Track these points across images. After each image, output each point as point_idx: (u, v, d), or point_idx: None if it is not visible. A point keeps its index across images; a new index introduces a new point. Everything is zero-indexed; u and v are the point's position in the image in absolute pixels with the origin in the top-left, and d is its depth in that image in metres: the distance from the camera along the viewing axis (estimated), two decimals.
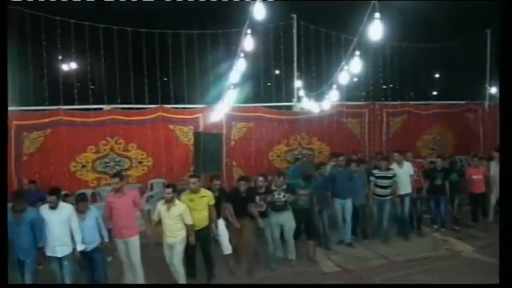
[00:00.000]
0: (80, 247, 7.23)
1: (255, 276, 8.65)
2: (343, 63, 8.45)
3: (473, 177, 10.87)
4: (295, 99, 14.42)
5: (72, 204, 7.59)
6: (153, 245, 7.93)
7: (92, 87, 14.04)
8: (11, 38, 11.30)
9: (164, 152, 12.83)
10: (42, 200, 7.80)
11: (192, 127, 12.97)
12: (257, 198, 8.78)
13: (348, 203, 10.01)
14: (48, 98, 12.47)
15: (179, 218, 7.71)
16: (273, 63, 14.28)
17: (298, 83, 14.18)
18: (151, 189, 12.39)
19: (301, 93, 13.66)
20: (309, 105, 12.95)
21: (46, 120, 11.89)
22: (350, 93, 13.96)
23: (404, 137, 15.20)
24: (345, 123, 14.62)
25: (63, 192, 10.07)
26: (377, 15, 6.03)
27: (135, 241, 7.78)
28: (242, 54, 8.92)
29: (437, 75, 16.85)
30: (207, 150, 10.73)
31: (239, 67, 9.26)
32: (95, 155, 12.31)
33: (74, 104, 12.65)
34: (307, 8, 13.77)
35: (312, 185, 9.36)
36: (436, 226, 11.07)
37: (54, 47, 12.43)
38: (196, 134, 11.66)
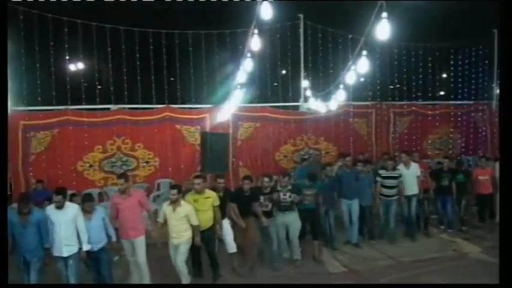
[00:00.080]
0: (86, 247, 7.23)
1: (257, 274, 8.66)
2: (350, 63, 8.42)
3: (480, 177, 10.82)
4: (301, 99, 14.40)
5: (79, 204, 7.60)
6: (160, 245, 7.94)
7: (99, 87, 14.07)
8: (19, 39, 11.39)
9: (171, 152, 12.84)
10: (50, 200, 7.82)
11: (198, 127, 12.98)
12: (262, 198, 8.76)
13: (355, 204, 10.00)
14: (55, 98, 12.51)
15: (185, 218, 7.72)
16: (280, 63, 14.26)
17: (305, 83, 14.15)
18: (158, 189, 12.41)
19: (308, 93, 13.63)
20: (315, 105, 12.92)
21: (53, 120, 11.94)
22: (357, 93, 13.91)
23: (411, 137, 15.15)
24: (351, 123, 14.58)
25: (70, 192, 10.15)
26: (384, 14, 6.01)
27: (141, 241, 7.80)
28: (249, 54, 8.90)
29: (444, 75, 16.76)
30: (214, 150, 10.74)
31: (246, 67, 9.25)
32: (102, 154, 12.35)
33: (81, 104, 12.69)
34: (314, 8, 13.75)
35: (318, 185, 9.36)
36: (443, 227, 11.05)
37: (61, 47, 12.45)
38: (203, 134, 11.67)
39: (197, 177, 8.39)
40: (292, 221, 8.90)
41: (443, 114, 15.62)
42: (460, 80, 16.00)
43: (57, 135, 11.93)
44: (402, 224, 10.61)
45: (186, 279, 7.86)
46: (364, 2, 7.57)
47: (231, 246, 8.65)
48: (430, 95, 16.39)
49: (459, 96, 16.23)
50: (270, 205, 8.81)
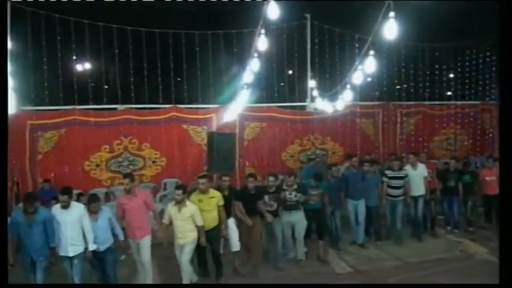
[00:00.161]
0: (91, 247, 7.24)
1: (261, 274, 8.67)
2: (357, 62, 8.41)
3: (487, 178, 10.76)
4: (308, 99, 14.40)
5: (85, 204, 7.61)
6: (166, 245, 7.95)
7: (106, 87, 14.13)
8: (26, 39, 11.44)
9: (178, 152, 12.85)
10: (57, 199, 7.83)
11: (205, 127, 12.97)
12: (267, 197, 8.76)
13: (361, 204, 9.97)
14: (62, 98, 12.56)
15: (190, 219, 7.71)
16: (287, 63, 14.26)
17: (311, 83, 14.14)
18: (165, 188, 12.42)
19: (315, 93, 13.62)
20: (322, 105, 12.90)
21: (61, 119, 11.97)
22: (364, 93, 13.88)
23: (418, 138, 15.09)
24: (358, 123, 14.54)
25: (77, 192, 10.19)
26: (392, 14, 5.99)
27: (146, 241, 7.83)
28: (256, 54, 8.92)
29: (451, 76, 16.70)
30: (221, 150, 10.74)
31: (253, 67, 9.26)
32: (109, 154, 12.37)
33: (88, 104, 12.73)
34: (321, 8, 13.74)
35: (324, 185, 9.35)
36: (449, 227, 11.01)
37: (68, 47, 12.50)
38: (210, 134, 11.67)
39: (202, 177, 8.38)
40: (298, 220, 8.90)
41: (450, 114, 15.55)
42: (467, 80, 15.95)
43: (64, 135, 11.96)
44: (409, 225, 10.58)
45: (188, 279, 7.84)
46: (371, 2, 7.56)
47: (235, 245, 8.65)
48: (437, 95, 16.35)
49: (466, 97, 16.17)
50: (275, 204, 8.81)
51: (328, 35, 13.91)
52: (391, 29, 6.05)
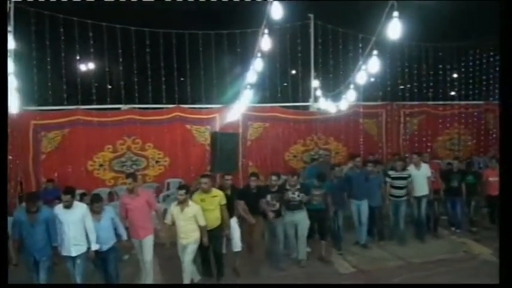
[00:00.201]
0: (94, 247, 7.22)
1: (263, 274, 8.67)
2: (361, 62, 8.40)
3: (490, 179, 10.71)
4: (312, 99, 14.39)
5: (87, 204, 7.60)
6: (168, 245, 7.94)
7: (110, 87, 14.13)
8: (30, 39, 11.46)
9: (181, 152, 12.85)
10: (60, 199, 7.82)
11: (208, 127, 12.96)
12: (269, 197, 8.75)
13: (364, 204, 9.94)
14: (66, 98, 12.59)
15: (193, 219, 7.70)
16: (290, 63, 14.24)
17: (315, 83, 14.12)
18: (168, 188, 12.41)
19: (318, 93, 13.60)
20: (325, 105, 12.88)
21: (64, 119, 11.97)
22: (367, 93, 13.86)
23: (422, 138, 15.07)
24: (361, 123, 14.52)
25: (80, 191, 10.21)
26: (395, 14, 5.98)
27: (149, 241, 7.83)
28: (259, 54, 8.92)
29: (455, 75, 16.68)
30: (224, 150, 10.75)
31: (256, 67, 9.26)
32: (112, 154, 12.37)
33: (91, 104, 12.73)
34: (324, 8, 13.72)
35: (327, 185, 9.33)
36: (453, 228, 10.98)
37: (72, 47, 12.52)
38: (213, 134, 11.68)
39: (204, 176, 8.37)
40: (301, 219, 8.90)
41: (454, 114, 15.53)
42: (471, 80, 15.92)
43: (67, 135, 11.97)
44: (412, 225, 10.55)
45: (190, 278, 7.83)
46: (374, 2, 7.55)
47: (237, 245, 8.66)
48: (440, 95, 16.32)
49: (470, 97, 16.15)
50: (277, 204, 8.79)
51: (332, 35, 13.90)
52: (394, 29, 6.04)
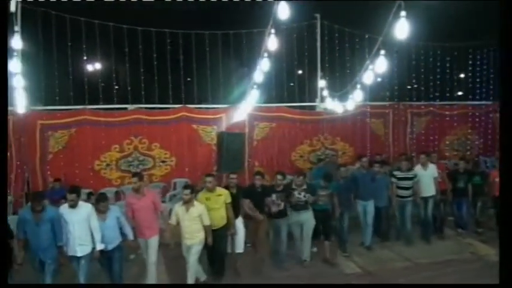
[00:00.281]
0: (99, 246, 7.21)
1: (266, 274, 8.65)
2: (368, 62, 8.37)
3: (497, 179, 10.65)
4: (318, 99, 14.38)
5: (93, 203, 7.61)
6: (173, 245, 7.92)
7: (117, 87, 14.16)
8: (37, 39, 11.51)
9: (187, 152, 12.87)
10: (67, 198, 7.84)
11: (215, 127, 12.98)
12: (274, 196, 8.71)
13: (370, 205, 9.88)
14: (73, 98, 12.62)
15: (198, 218, 7.67)
16: (297, 63, 14.23)
17: (321, 83, 14.10)
18: (174, 188, 12.42)
19: (325, 93, 13.57)
20: (332, 105, 12.86)
21: (71, 119, 12.02)
22: (374, 93, 13.82)
23: (429, 138, 15.04)
24: (368, 123, 14.49)
25: (87, 191, 10.23)
26: (403, 13, 5.96)
27: (154, 241, 7.83)
28: (266, 54, 8.91)
29: (462, 75, 16.62)
30: (230, 149, 10.74)
31: (262, 67, 9.25)
32: (119, 154, 12.41)
33: (98, 104, 12.77)
34: (330, 8, 13.69)
35: (333, 185, 9.28)
36: (460, 230, 10.93)
37: (79, 47, 12.56)
38: (220, 134, 11.69)
39: (208, 175, 8.34)
40: (307, 220, 8.88)
41: (461, 114, 15.48)
42: (478, 80, 15.87)
43: (74, 135, 12.01)
44: (419, 226, 10.50)
45: (195, 278, 7.81)
46: (381, 2, 7.53)
47: (240, 246, 8.63)
48: (447, 95, 16.27)
49: (477, 97, 16.09)
50: (282, 204, 8.74)
51: (338, 34, 13.90)
52: (402, 29, 6.01)
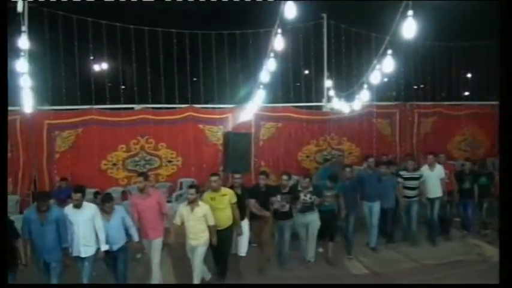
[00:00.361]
0: (103, 247, 7.18)
1: (270, 274, 8.65)
2: (375, 62, 8.34)
3: None
4: (325, 99, 14.36)
5: (98, 204, 7.59)
6: (176, 245, 7.88)
7: (123, 87, 14.21)
8: (44, 39, 11.55)
9: (194, 152, 12.90)
10: None
11: (221, 127, 13.01)
12: (279, 197, 8.66)
13: (376, 206, 9.79)
14: (80, 98, 12.66)
15: (203, 219, 7.61)
16: (303, 63, 14.23)
17: (328, 83, 14.09)
18: (181, 188, 12.43)
19: (331, 93, 13.55)
20: (339, 105, 12.84)
21: (78, 119, 12.08)
22: (380, 93, 13.80)
23: (436, 138, 14.97)
24: (375, 123, 14.46)
25: (94, 190, 10.25)
26: (410, 12, 5.93)
27: (158, 242, 7.79)
28: (272, 54, 8.90)
29: (469, 75, 16.58)
30: (236, 149, 10.73)
31: (269, 67, 9.24)
32: (126, 153, 12.45)
33: (105, 104, 12.80)
34: (337, 8, 13.68)
35: (339, 186, 9.23)
36: (465, 232, 10.87)
37: (86, 47, 12.61)
38: (226, 134, 11.68)
39: (213, 174, 8.26)
40: (312, 220, 8.83)
41: (468, 115, 15.42)
42: (485, 80, 15.80)
43: (81, 134, 12.06)
44: (424, 227, 10.45)
45: (199, 279, 7.76)
46: (387, 2, 7.50)
47: (244, 249, 8.57)
48: (454, 95, 16.21)
49: (484, 97, 16.01)
50: (287, 206, 8.71)
51: (345, 34, 13.88)
52: (409, 28, 5.98)
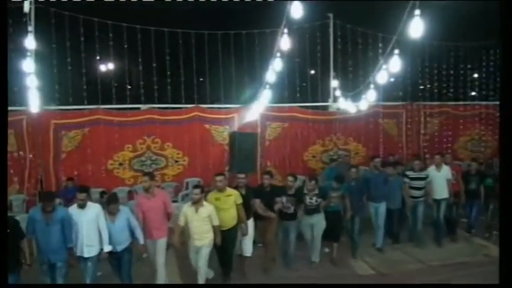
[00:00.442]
0: (106, 248, 7.16)
1: (275, 274, 8.66)
2: (382, 62, 8.31)
3: None
4: (331, 99, 14.34)
5: (104, 204, 7.58)
6: (179, 245, 7.86)
7: (129, 87, 14.23)
8: (50, 39, 11.59)
9: (199, 151, 12.90)
10: None
11: (227, 127, 13.01)
12: (285, 199, 8.65)
13: (382, 207, 9.72)
14: (86, 98, 12.69)
15: (207, 219, 7.58)
16: (309, 63, 14.22)
17: (334, 83, 14.07)
18: (187, 188, 12.42)
19: (338, 93, 13.53)
20: (345, 105, 12.81)
21: (84, 119, 12.11)
22: (387, 93, 13.75)
23: (442, 139, 14.93)
24: (381, 124, 14.43)
25: (100, 190, 10.26)
26: (417, 12, 5.90)
27: (162, 242, 7.77)
28: (278, 54, 8.88)
29: (476, 75, 16.50)
30: (242, 149, 10.73)
31: (275, 67, 9.22)
32: (132, 153, 12.47)
33: (111, 104, 12.82)
34: (343, 7, 13.65)
35: (345, 186, 9.20)
36: (470, 233, 10.82)
37: (92, 47, 12.63)
38: (232, 134, 11.68)
39: (219, 174, 8.21)
40: (317, 221, 8.81)
41: (474, 115, 15.38)
42: (491, 80, 15.74)
43: (88, 134, 12.08)
44: (431, 227, 10.40)
45: (204, 279, 7.76)
46: (394, 2, 7.48)
47: (248, 250, 8.53)
48: (461, 95, 16.15)
49: (491, 97, 15.94)
50: (292, 208, 8.68)
51: (351, 34, 13.86)
52: (416, 27, 5.95)
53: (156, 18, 12.94)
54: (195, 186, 7.96)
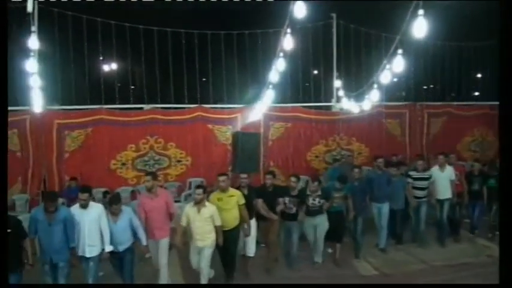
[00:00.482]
0: (108, 248, 7.15)
1: (278, 274, 8.64)
2: (385, 62, 8.30)
3: None
4: (334, 99, 14.32)
5: (106, 204, 7.57)
6: (180, 245, 7.83)
7: (133, 87, 14.25)
8: (54, 39, 11.61)
9: (202, 151, 12.90)
10: None
11: (230, 127, 13.00)
12: (287, 199, 8.62)
13: (385, 207, 9.68)
14: (89, 98, 12.71)
15: (209, 219, 7.56)
16: (312, 63, 14.22)
17: (337, 83, 14.04)
18: (190, 188, 12.43)
19: (341, 93, 13.52)
20: (348, 105, 12.80)
21: (87, 118, 12.11)
22: (390, 93, 13.74)
23: (446, 139, 14.87)
24: (384, 124, 14.40)
25: (103, 190, 10.26)
26: (421, 11, 5.89)
27: (165, 242, 7.76)
28: (281, 54, 8.87)
29: (479, 75, 16.47)
30: (245, 149, 10.73)
31: (278, 67, 9.21)
32: (135, 153, 12.47)
33: (115, 104, 12.84)
34: (346, 7, 13.65)
35: (348, 187, 9.18)
36: (476, 231, 10.79)
37: (95, 47, 12.65)
38: (235, 134, 11.69)
39: (222, 174, 8.20)
40: (320, 222, 8.80)
41: (478, 115, 15.31)
42: (495, 80, 15.70)
43: (91, 134, 12.09)
44: (434, 228, 10.38)
45: (206, 279, 7.74)
46: (397, 1, 7.47)
47: (251, 250, 8.51)
48: (465, 95, 16.12)
49: (494, 97, 15.89)
50: (294, 209, 8.66)
51: (354, 34, 13.83)
52: (420, 27, 5.94)
53: (159, 18, 12.96)
54: (198, 187, 7.94)
